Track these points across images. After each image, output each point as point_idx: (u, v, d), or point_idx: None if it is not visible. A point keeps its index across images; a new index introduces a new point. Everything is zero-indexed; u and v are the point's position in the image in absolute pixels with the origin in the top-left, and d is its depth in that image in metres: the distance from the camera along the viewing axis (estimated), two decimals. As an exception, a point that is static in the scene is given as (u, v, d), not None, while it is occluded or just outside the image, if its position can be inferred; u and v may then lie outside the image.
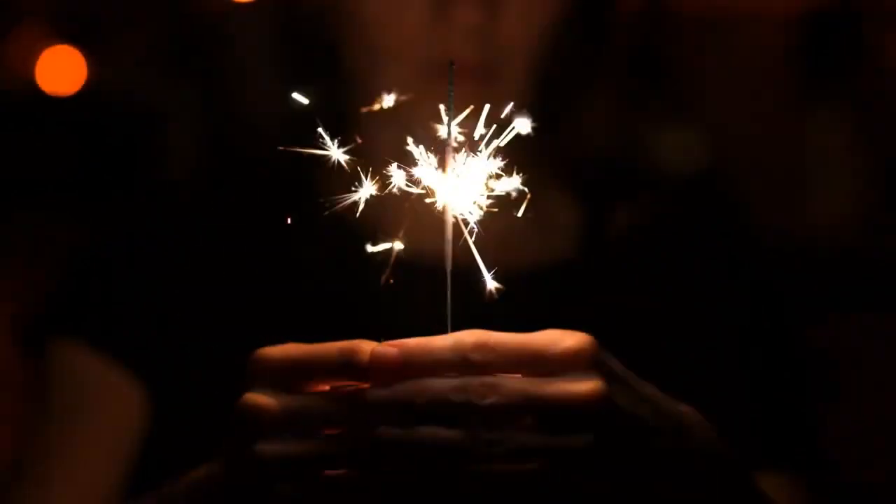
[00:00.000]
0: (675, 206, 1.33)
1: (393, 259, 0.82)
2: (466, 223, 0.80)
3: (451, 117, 0.81)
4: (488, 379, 0.74)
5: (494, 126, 0.80)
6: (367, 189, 0.82)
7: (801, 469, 1.22)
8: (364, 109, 0.83)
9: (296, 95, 0.80)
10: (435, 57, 1.17)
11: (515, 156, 1.27)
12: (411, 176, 0.81)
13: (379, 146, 1.25)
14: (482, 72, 1.18)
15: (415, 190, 0.80)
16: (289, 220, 0.86)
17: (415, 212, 0.81)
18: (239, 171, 1.31)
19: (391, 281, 0.81)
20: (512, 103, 0.82)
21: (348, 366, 0.75)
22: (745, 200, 1.49)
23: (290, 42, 1.30)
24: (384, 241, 0.82)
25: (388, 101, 0.82)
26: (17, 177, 1.59)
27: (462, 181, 0.80)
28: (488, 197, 0.80)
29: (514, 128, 0.80)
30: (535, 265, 1.23)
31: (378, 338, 0.76)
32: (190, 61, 1.49)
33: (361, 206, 0.86)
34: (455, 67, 0.97)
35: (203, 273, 1.21)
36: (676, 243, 1.29)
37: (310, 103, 1.30)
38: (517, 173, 1.25)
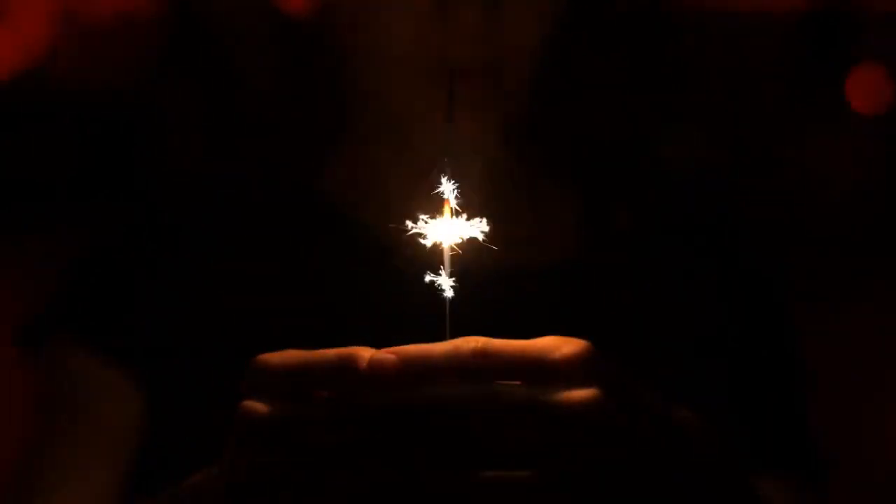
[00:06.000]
0: (677, 205, 1.33)
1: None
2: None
3: (452, 122, 0.81)
4: (486, 386, 0.74)
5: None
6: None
7: (798, 470, 1.22)
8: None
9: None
10: (436, 59, 1.17)
11: (518, 155, 1.28)
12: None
13: (380, 149, 1.26)
14: (484, 73, 1.18)
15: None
16: None
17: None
18: (240, 172, 1.32)
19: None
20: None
21: (347, 372, 0.75)
22: (746, 200, 1.49)
23: (292, 44, 1.30)
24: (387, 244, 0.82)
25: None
26: (16, 176, 1.59)
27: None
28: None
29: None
30: (536, 265, 1.23)
31: (377, 344, 0.76)
32: (189, 61, 1.49)
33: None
34: (456, 70, 0.97)
35: (204, 275, 1.21)
36: (676, 244, 1.29)
37: (311, 105, 1.31)
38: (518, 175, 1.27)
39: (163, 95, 1.55)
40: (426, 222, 0.80)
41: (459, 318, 0.79)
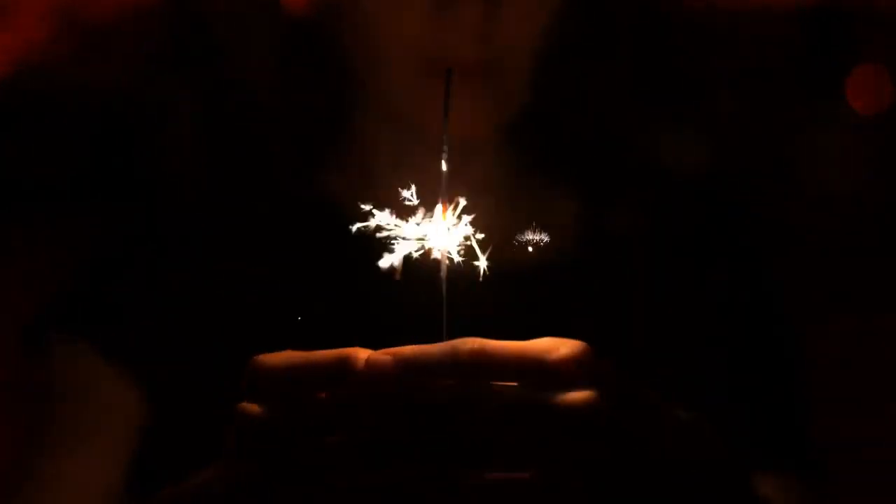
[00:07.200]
0: (676, 206, 1.33)
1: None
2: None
3: (447, 122, 0.80)
4: (484, 387, 0.74)
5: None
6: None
7: (798, 470, 1.22)
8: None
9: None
10: (435, 57, 1.17)
11: (517, 154, 1.28)
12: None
13: (379, 147, 1.26)
14: (483, 71, 1.18)
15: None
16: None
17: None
18: (241, 173, 1.32)
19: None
20: None
21: (344, 373, 0.75)
22: (746, 200, 1.49)
23: (291, 43, 1.30)
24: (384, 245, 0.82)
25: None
26: (18, 177, 1.59)
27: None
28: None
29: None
30: (534, 265, 1.23)
31: (374, 345, 0.76)
32: (189, 60, 1.50)
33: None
34: (455, 68, 0.97)
35: (204, 275, 1.21)
36: (675, 244, 1.29)
37: (310, 104, 1.31)
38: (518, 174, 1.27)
39: (163, 95, 1.55)
40: (424, 222, 0.80)
41: (456, 318, 0.79)
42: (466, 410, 0.74)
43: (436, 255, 0.80)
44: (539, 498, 0.75)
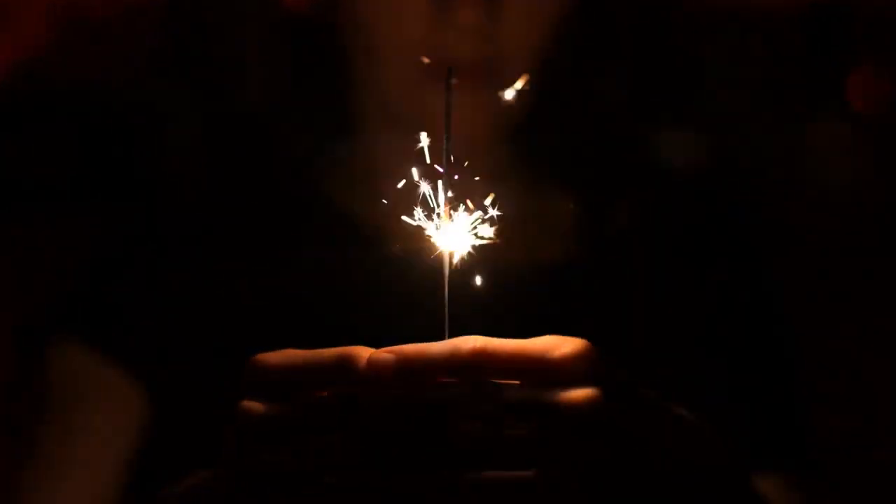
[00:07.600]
0: (676, 206, 1.33)
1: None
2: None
3: (449, 122, 0.81)
4: (486, 385, 0.74)
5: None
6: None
7: (797, 470, 1.22)
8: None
9: None
10: (436, 57, 1.18)
11: (518, 154, 1.28)
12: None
13: (380, 147, 1.26)
14: (483, 71, 1.18)
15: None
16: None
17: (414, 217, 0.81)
18: (241, 173, 1.32)
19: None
20: None
21: (345, 372, 0.75)
22: (745, 200, 1.49)
23: (292, 43, 1.31)
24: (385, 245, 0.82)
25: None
26: (17, 177, 1.59)
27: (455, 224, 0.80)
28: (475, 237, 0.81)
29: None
30: (536, 264, 1.23)
31: (375, 344, 0.76)
32: (189, 60, 1.50)
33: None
34: (456, 68, 0.97)
35: (204, 275, 1.21)
36: (675, 244, 1.29)
37: (311, 104, 1.31)
38: (519, 172, 1.27)
39: (163, 95, 1.55)
40: (426, 223, 0.80)
41: (458, 317, 0.79)
42: (467, 409, 0.74)
43: (437, 253, 0.80)
44: (539, 498, 0.75)
